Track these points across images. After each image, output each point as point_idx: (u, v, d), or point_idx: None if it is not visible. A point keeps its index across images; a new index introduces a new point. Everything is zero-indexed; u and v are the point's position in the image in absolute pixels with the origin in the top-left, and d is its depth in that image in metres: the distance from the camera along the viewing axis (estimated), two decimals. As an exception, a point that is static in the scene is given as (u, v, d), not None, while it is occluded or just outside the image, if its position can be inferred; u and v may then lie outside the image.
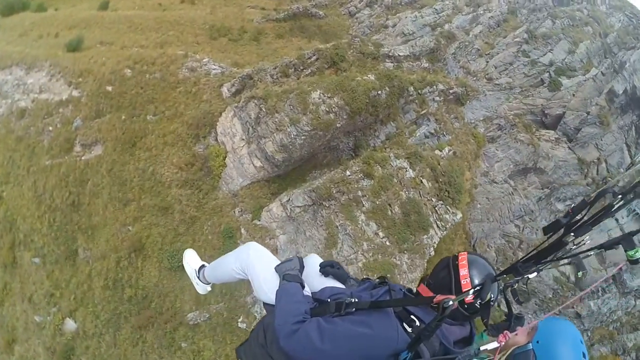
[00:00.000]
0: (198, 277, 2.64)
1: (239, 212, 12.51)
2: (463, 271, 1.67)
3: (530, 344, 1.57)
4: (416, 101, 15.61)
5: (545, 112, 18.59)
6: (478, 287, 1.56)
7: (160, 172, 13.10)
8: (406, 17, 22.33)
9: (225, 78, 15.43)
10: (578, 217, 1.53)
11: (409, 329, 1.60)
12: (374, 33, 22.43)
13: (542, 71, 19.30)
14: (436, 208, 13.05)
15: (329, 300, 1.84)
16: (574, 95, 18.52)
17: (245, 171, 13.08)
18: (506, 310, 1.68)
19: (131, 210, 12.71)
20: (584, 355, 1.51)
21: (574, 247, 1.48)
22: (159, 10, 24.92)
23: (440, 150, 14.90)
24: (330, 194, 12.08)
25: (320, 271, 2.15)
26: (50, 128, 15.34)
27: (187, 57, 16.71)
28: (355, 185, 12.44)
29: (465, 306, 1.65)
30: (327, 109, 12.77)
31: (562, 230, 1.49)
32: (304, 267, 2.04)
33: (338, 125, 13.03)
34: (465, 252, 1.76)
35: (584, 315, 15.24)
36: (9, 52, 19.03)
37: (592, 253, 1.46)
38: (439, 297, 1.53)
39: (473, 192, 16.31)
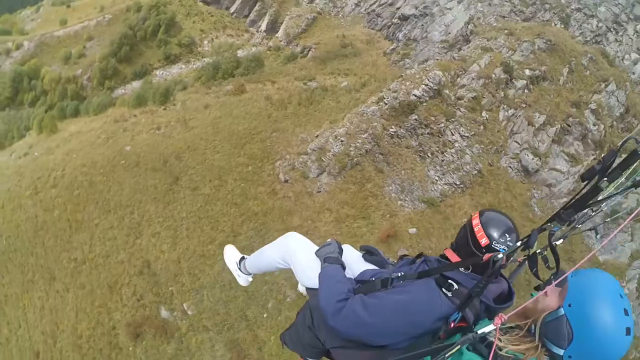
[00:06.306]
0: (239, 269, 2.80)
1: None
2: (477, 227, 1.75)
3: (562, 308, 1.46)
4: None
5: None
6: (525, 239, 1.58)
7: None
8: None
9: None
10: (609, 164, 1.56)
11: (449, 294, 1.67)
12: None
13: None
14: None
15: (373, 279, 1.92)
16: None
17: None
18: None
19: None
20: (626, 313, 1.39)
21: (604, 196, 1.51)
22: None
23: None
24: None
25: (362, 256, 2.23)
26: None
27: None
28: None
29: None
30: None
31: (596, 177, 1.55)
32: (342, 250, 2.13)
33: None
34: (476, 212, 1.83)
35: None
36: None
37: (628, 192, 1.50)
38: (488, 255, 1.61)
39: None
